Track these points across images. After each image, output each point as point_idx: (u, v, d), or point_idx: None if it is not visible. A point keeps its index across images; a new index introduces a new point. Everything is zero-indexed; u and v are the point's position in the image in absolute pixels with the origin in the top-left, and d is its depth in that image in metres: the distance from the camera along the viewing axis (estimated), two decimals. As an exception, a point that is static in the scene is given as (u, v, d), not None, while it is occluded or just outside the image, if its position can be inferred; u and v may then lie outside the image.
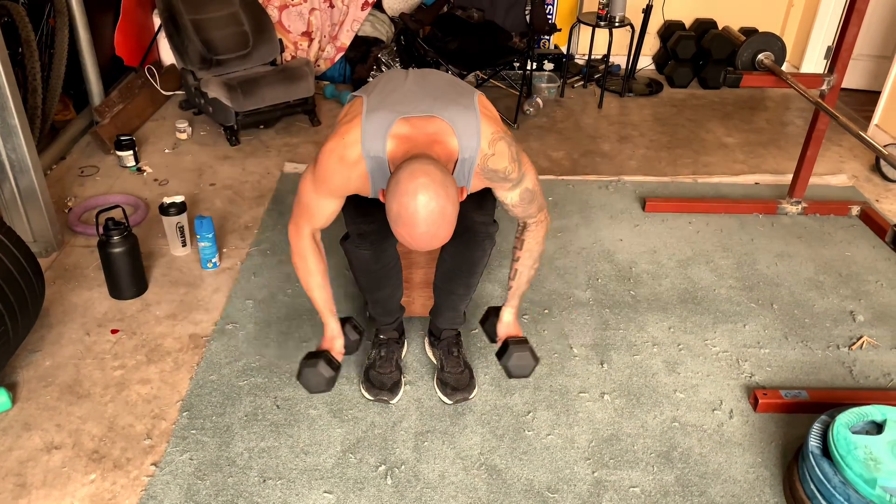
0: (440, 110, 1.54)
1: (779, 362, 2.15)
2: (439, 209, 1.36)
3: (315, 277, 1.78)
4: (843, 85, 4.32)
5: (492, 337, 1.97)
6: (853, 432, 1.65)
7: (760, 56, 2.73)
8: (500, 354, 1.88)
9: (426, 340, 2.15)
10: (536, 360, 1.87)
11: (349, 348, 1.90)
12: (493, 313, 1.98)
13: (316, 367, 1.76)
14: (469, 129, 1.54)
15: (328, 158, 1.57)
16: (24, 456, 1.77)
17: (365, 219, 1.77)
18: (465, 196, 1.51)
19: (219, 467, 1.75)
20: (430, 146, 1.51)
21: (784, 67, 4.63)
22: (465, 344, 2.14)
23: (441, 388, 1.98)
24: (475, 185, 1.66)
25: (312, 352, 1.81)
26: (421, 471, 1.77)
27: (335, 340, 1.84)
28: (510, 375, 1.87)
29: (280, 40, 3.64)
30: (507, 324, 1.92)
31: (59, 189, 2.95)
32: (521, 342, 1.86)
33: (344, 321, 1.91)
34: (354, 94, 1.70)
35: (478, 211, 1.80)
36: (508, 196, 1.69)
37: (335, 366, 1.79)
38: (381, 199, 1.46)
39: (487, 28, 3.71)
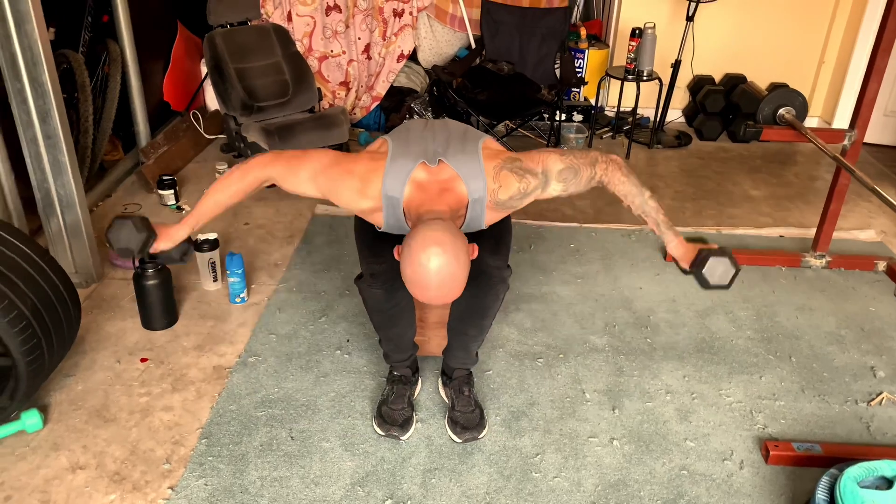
0: (448, 158, 1.69)
1: (794, 415, 2.14)
2: (450, 276, 1.48)
3: (223, 196, 1.77)
4: (879, 142, 4.33)
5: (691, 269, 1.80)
6: (863, 487, 1.64)
7: (781, 111, 2.77)
8: (694, 265, 1.75)
9: (440, 379, 2.20)
10: (737, 267, 1.72)
11: (166, 255, 1.87)
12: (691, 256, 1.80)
13: (131, 221, 1.76)
14: (473, 173, 1.67)
15: (348, 177, 1.70)
16: (51, 475, 1.86)
17: (377, 259, 1.86)
18: (475, 254, 1.61)
19: (231, 494, 1.81)
20: (441, 195, 1.65)
21: (815, 123, 4.64)
22: (477, 384, 2.18)
23: (451, 426, 2.01)
24: (493, 218, 1.78)
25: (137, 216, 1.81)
26: (426, 507, 1.80)
27: (171, 235, 1.83)
28: (706, 285, 1.74)
29: (319, 89, 3.82)
30: (681, 253, 1.79)
31: (104, 225, 3.11)
32: (720, 250, 1.73)
33: (187, 241, 1.89)
34: (379, 136, 1.84)
35: (492, 256, 1.87)
36: (552, 193, 1.74)
37: (145, 230, 1.77)
38: (397, 257, 1.57)
39: (517, 80, 3.83)
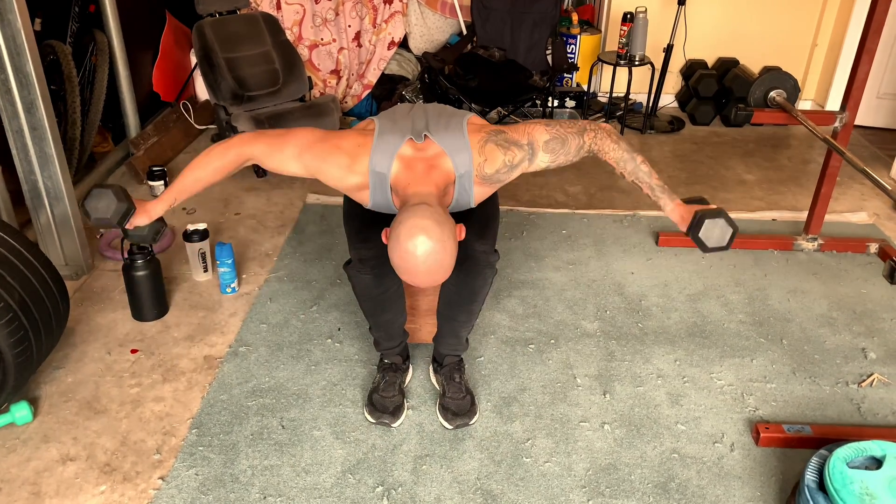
0: (433, 134, 1.70)
1: (785, 397, 2.14)
2: (437, 262, 1.50)
3: (203, 172, 1.72)
4: (873, 124, 4.31)
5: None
6: (852, 467, 1.64)
7: (772, 94, 2.76)
8: (690, 229, 1.68)
9: (431, 367, 2.20)
10: (734, 227, 1.66)
11: (139, 233, 1.83)
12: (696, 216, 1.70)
13: (111, 190, 1.70)
14: (458, 147, 1.69)
15: (336, 152, 1.69)
16: (41, 466, 1.86)
17: (366, 244, 1.85)
18: (463, 235, 1.62)
19: (222, 483, 1.81)
20: (428, 173, 1.65)
21: (809, 106, 4.62)
22: (469, 371, 2.18)
23: (442, 413, 2.01)
24: (482, 193, 1.77)
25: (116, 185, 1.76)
26: (417, 493, 1.80)
27: (148, 211, 1.80)
28: (705, 249, 1.67)
29: (309, 78, 3.79)
30: (678, 217, 1.73)
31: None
32: (715, 212, 1.66)
33: (160, 221, 1.85)
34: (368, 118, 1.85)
35: (479, 240, 1.87)
36: (540, 165, 1.72)
37: (125, 201, 1.73)
38: (385, 240, 1.57)
39: (508, 66, 3.81)
